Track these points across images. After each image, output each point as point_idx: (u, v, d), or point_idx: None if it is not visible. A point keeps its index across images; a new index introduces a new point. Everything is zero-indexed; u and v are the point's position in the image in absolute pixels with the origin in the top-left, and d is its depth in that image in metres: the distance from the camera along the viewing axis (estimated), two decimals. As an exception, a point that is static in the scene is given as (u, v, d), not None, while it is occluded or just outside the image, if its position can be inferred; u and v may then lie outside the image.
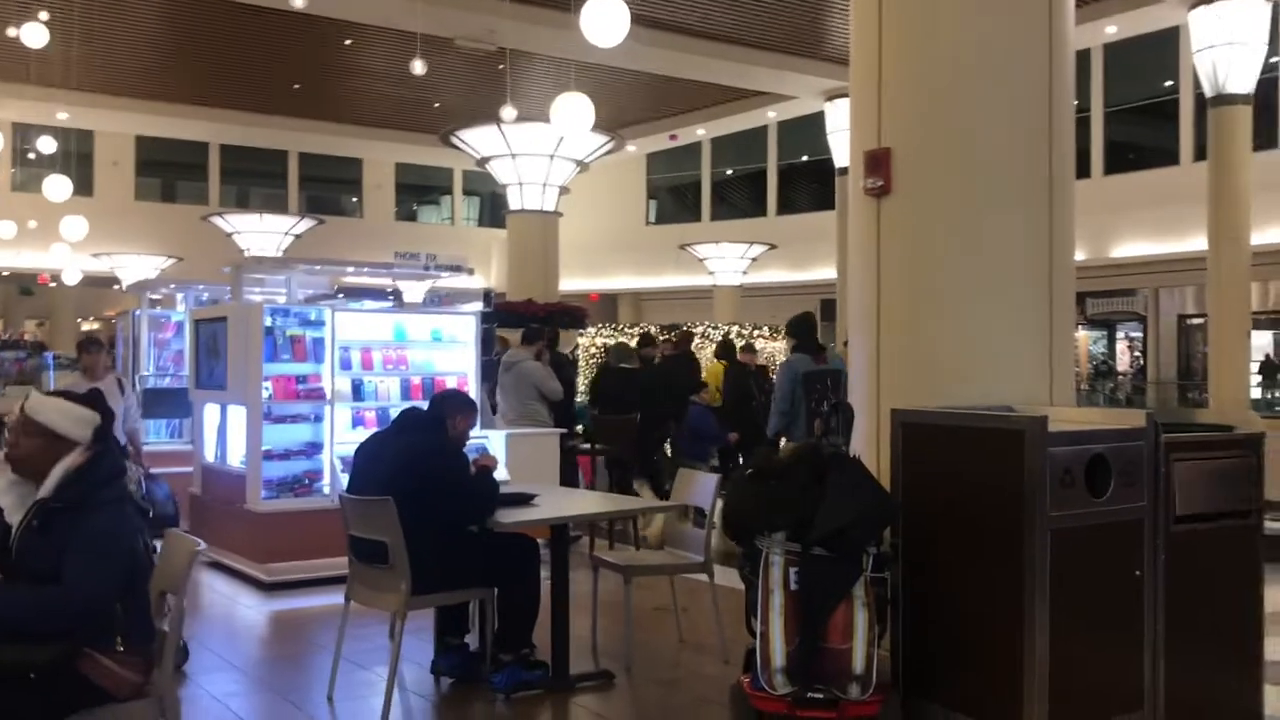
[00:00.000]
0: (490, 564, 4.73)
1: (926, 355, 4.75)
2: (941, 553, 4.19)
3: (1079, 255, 17.97)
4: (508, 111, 14.00)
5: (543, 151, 14.63)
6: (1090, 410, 4.70)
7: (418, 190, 30.34)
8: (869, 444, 4.80)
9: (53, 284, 24.88)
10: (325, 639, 5.52)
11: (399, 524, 4.49)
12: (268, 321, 7.16)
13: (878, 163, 4.84)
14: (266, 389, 7.15)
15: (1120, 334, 26.43)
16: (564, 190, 15.77)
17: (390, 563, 4.54)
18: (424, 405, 5.35)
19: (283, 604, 6.71)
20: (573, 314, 14.79)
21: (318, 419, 7.30)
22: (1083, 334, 26.85)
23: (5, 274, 26.02)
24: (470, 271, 8.61)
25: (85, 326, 27.10)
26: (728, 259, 23.39)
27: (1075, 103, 5.19)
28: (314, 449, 7.31)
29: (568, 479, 9.42)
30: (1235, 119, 19.20)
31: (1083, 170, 24.71)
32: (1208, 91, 19.09)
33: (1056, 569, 3.87)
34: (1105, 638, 4.05)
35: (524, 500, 4.98)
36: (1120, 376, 25.76)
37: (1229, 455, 4.42)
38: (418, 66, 13.04)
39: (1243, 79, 18.03)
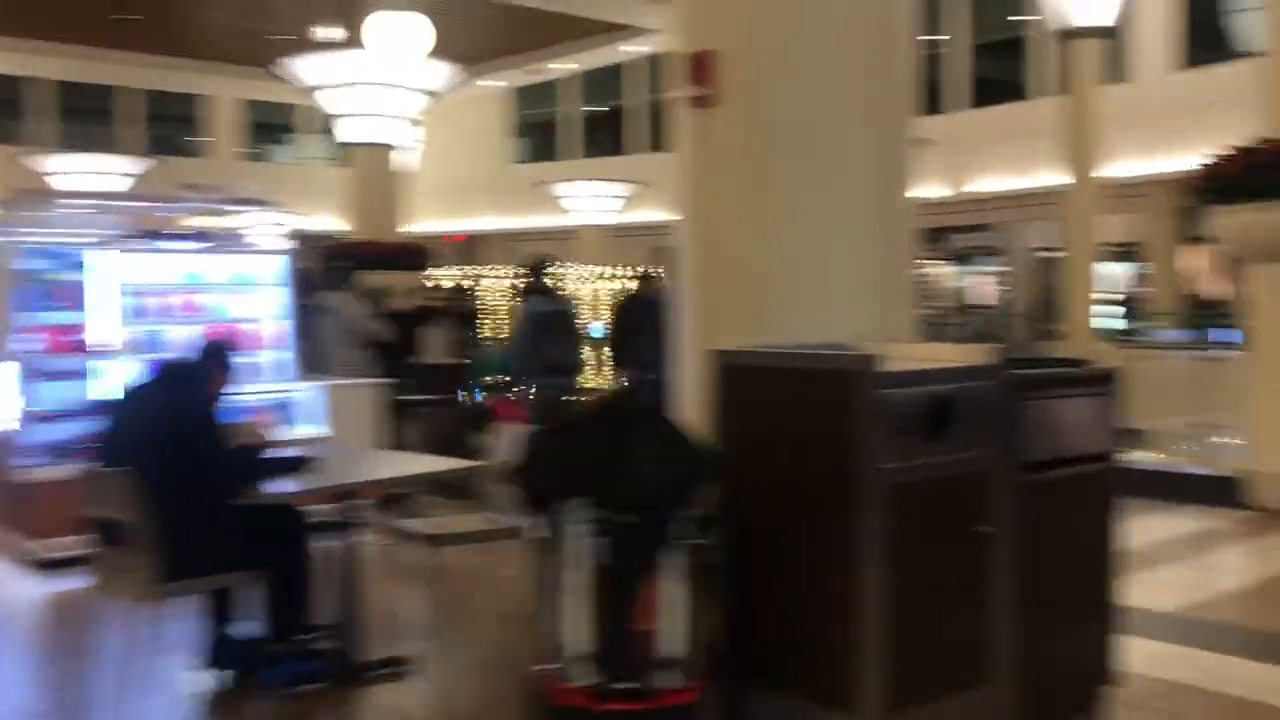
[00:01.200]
0: (252, 542, 4.01)
1: (758, 288, 4.18)
2: (769, 514, 3.64)
3: (943, 190, 17.74)
4: (334, 33, 12.91)
5: (380, 80, 13.60)
6: (937, 347, 4.21)
7: (268, 129, 28.73)
8: (696, 391, 4.22)
9: None
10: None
11: (139, 499, 3.74)
12: (26, 264, 6.22)
13: (702, 67, 4.21)
14: (33, 341, 6.24)
15: (982, 268, 26.65)
16: (414, 123, 14.77)
17: (132, 544, 3.80)
18: (194, 355, 4.58)
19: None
20: (416, 254, 13.92)
21: (96, 374, 6.41)
22: (947, 269, 27.00)
23: None
24: (269, 207, 7.74)
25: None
26: (591, 198, 22.63)
27: (925, 36, 4.62)
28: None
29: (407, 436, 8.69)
30: (1088, 51, 19.20)
31: (943, 105, 24.63)
32: (1062, 24, 19.02)
33: (892, 527, 3.35)
34: (951, 601, 3.56)
35: (294, 466, 4.26)
36: (983, 310, 25.95)
37: (1084, 392, 3.97)
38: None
39: (1095, 11, 17.93)
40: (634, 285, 7.98)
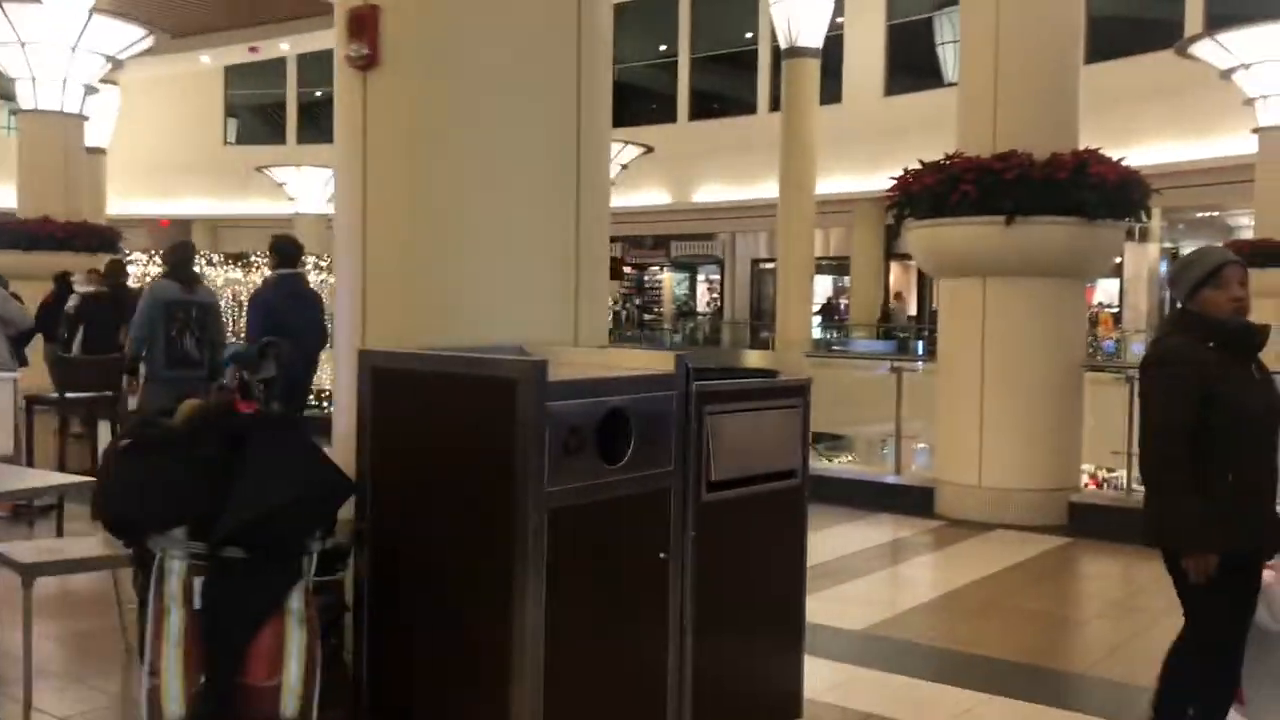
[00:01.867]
0: None
1: (424, 284, 3.63)
2: (421, 542, 3.11)
3: (665, 199, 17.75)
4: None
5: (60, 40, 12.10)
6: (623, 353, 3.79)
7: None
8: (351, 399, 3.63)
9: None
10: None
11: None
12: None
13: (362, 24, 3.63)
14: None
15: (701, 276, 27.19)
16: (91, 90, 13.24)
17: None
18: None
19: None
20: (101, 236, 12.48)
21: None
22: (667, 275, 27.39)
23: None
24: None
25: None
26: (311, 184, 21.35)
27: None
28: None
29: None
30: (805, 72, 19.84)
31: (669, 116, 24.91)
32: (782, 44, 19.56)
33: (556, 557, 2.89)
34: (623, 634, 3.15)
35: None
36: (700, 317, 26.44)
37: (774, 405, 3.67)
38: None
39: (812, 33, 18.49)
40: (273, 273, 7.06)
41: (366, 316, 3.72)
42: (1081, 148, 7.17)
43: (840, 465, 8.80)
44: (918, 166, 7.48)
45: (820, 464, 8.76)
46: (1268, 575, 3.50)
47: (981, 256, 7.20)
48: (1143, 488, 3.41)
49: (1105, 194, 6.94)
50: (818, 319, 24.89)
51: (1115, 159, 7.12)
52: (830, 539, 6.88)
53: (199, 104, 26.32)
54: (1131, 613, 5.34)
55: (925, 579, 6.20)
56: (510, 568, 2.87)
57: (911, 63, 21.95)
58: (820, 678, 4.25)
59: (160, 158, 25.40)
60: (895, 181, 7.58)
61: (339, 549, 3.01)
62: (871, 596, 5.68)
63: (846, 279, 24.25)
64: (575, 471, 2.95)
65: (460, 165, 3.63)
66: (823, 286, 25.43)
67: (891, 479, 8.09)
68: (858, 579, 5.93)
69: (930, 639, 4.93)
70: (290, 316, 6.65)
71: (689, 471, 3.33)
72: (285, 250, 7.32)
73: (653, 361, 3.45)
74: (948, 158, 7.32)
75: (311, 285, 8.24)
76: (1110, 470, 15.49)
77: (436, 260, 3.62)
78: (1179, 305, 3.39)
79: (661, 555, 3.26)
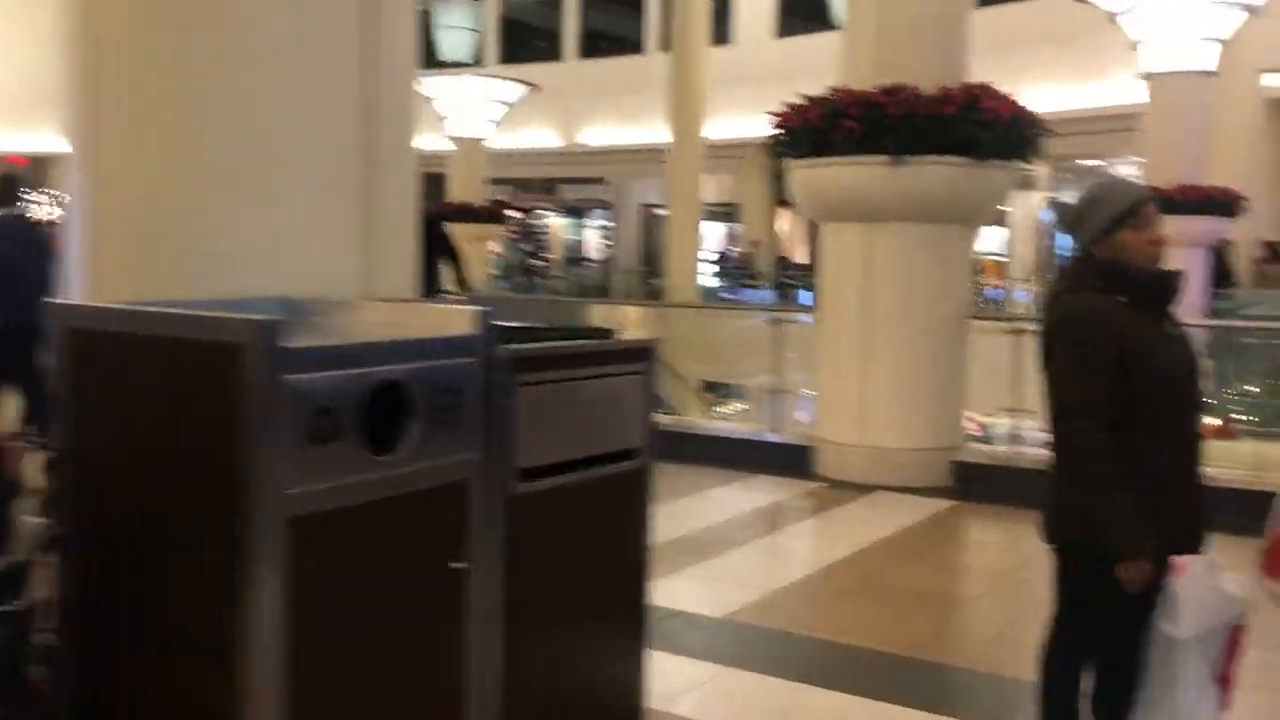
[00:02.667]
0: None
1: (166, 223, 2.86)
2: (129, 551, 2.38)
3: (553, 140, 16.89)
4: None
5: None
6: (428, 308, 3.07)
7: None
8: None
9: None
10: None
11: None
12: None
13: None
14: None
15: (592, 221, 26.38)
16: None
17: None
18: None
19: None
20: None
21: None
22: (556, 221, 26.50)
23: None
24: None
25: None
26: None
27: None
28: None
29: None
30: (695, 10, 19.07)
31: (556, 54, 23.92)
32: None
33: (300, 578, 2.20)
34: (399, 675, 2.47)
35: None
36: (589, 264, 25.69)
37: (607, 372, 3.00)
38: None
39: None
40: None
41: (100, 265, 2.94)
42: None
43: (720, 423, 8.24)
44: (796, 102, 6.84)
45: (698, 422, 8.19)
46: (1176, 575, 2.98)
47: (865, 200, 6.62)
48: (1048, 468, 2.82)
49: (997, 132, 6.39)
50: (715, 267, 24.38)
51: (1008, 94, 6.57)
52: (702, 505, 6.30)
53: (50, 32, 24.35)
54: (1019, 587, 4.85)
55: (801, 551, 5.65)
56: (235, 595, 2.16)
57: (804, 3, 21.32)
58: (676, 679, 3.65)
59: (16, 88, 23.48)
60: (777, 117, 6.92)
61: (13, 571, 2.26)
62: (741, 574, 5.10)
63: (736, 226, 23.73)
64: (328, 466, 2.24)
65: (210, 80, 2.86)
66: (716, 233, 24.89)
67: (771, 437, 7.53)
68: (728, 552, 5.35)
69: (802, 626, 4.36)
70: (7, 265, 5.71)
71: (495, 458, 2.65)
72: None
73: (439, 321, 2.74)
74: (832, 91, 6.70)
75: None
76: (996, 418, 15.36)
77: (180, 194, 2.85)
78: (1083, 251, 2.80)
79: (454, 565, 2.59)
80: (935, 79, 6.48)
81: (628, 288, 23.18)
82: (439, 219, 9.00)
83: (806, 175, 6.86)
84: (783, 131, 6.83)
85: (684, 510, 6.17)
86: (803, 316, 7.99)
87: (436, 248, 8.27)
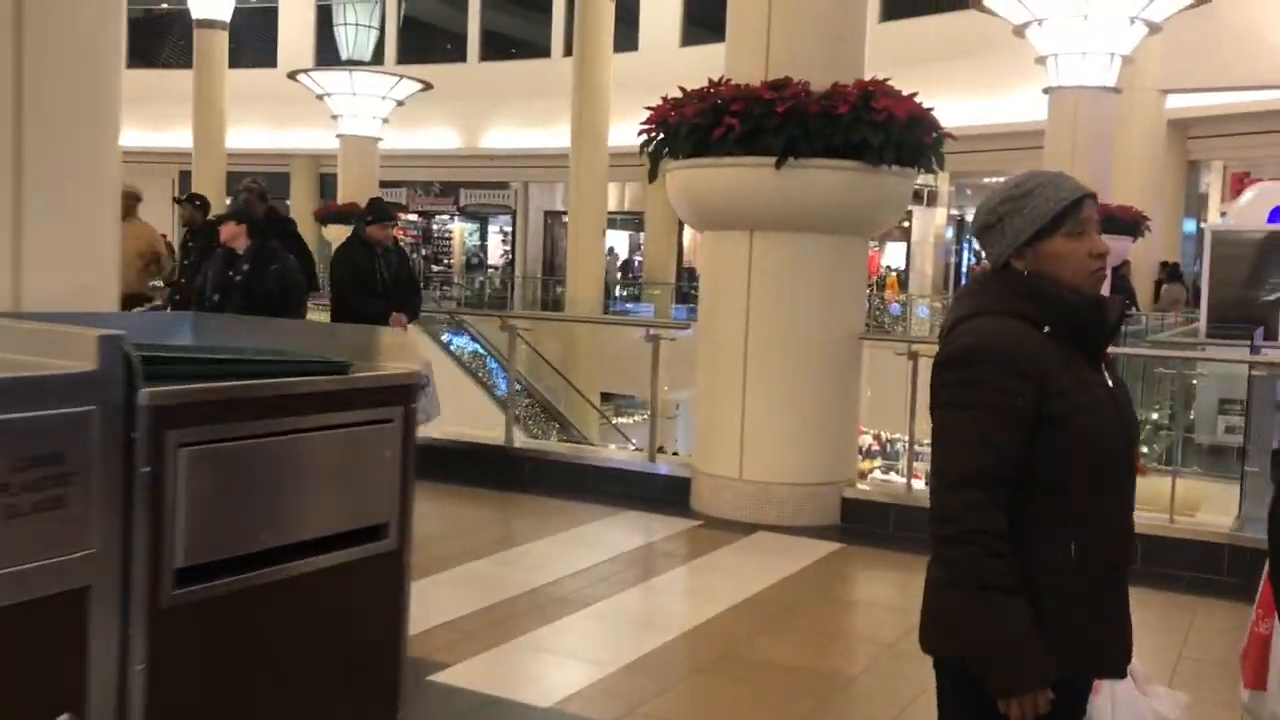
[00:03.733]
0: None
1: None
2: None
3: (454, 143, 15.89)
4: None
5: None
6: (36, 331, 2.12)
7: None
8: None
9: None
10: None
11: None
12: None
13: None
14: None
15: (495, 227, 25.38)
16: None
17: None
18: None
19: None
20: None
21: None
22: (458, 225, 25.46)
23: None
24: None
25: None
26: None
27: None
28: None
29: None
30: (600, 15, 18.28)
31: (460, 55, 22.94)
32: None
33: None
34: None
35: None
36: (491, 270, 24.69)
37: (342, 423, 2.14)
38: None
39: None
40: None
41: None
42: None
43: (601, 451, 7.36)
44: (678, 95, 6.04)
45: (581, 450, 7.32)
46: (1095, 697, 2.23)
47: (747, 205, 5.84)
48: (929, 524, 2.00)
49: (892, 135, 5.65)
50: (618, 275, 23.56)
51: (907, 94, 5.85)
52: (559, 550, 5.45)
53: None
54: (910, 663, 4.08)
55: (658, 612, 4.80)
56: None
57: (709, 13, 20.65)
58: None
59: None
60: (650, 112, 6.11)
61: None
62: (583, 645, 4.25)
63: (639, 235, 22.99)
64: None
65: None
66: (620, 242, 24.12)
67: (641, 466, 6.69)
68: (574, 614, 4.49)
69: (645, 717, 3.53)
70: None
71: (135, 555, 1.77)
72: None
73: (85, 349, 1.84)
74: (713, 84, 5.91)
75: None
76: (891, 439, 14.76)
77: None
78: (997, 264, 2.02)
79: (64, 718, 1.70)
80: (829, 75, 5.74)
81: (527, 296, 22.27)
82: (285, 218, 8.01)
83: (684, 177, 6.05)
84: (657, 128, 6.02)
85: (535, 558, 5.31)
86: (684, 333, 7.15)
87: (285, 244, 7.30)
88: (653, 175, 6.15)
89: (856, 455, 6.21)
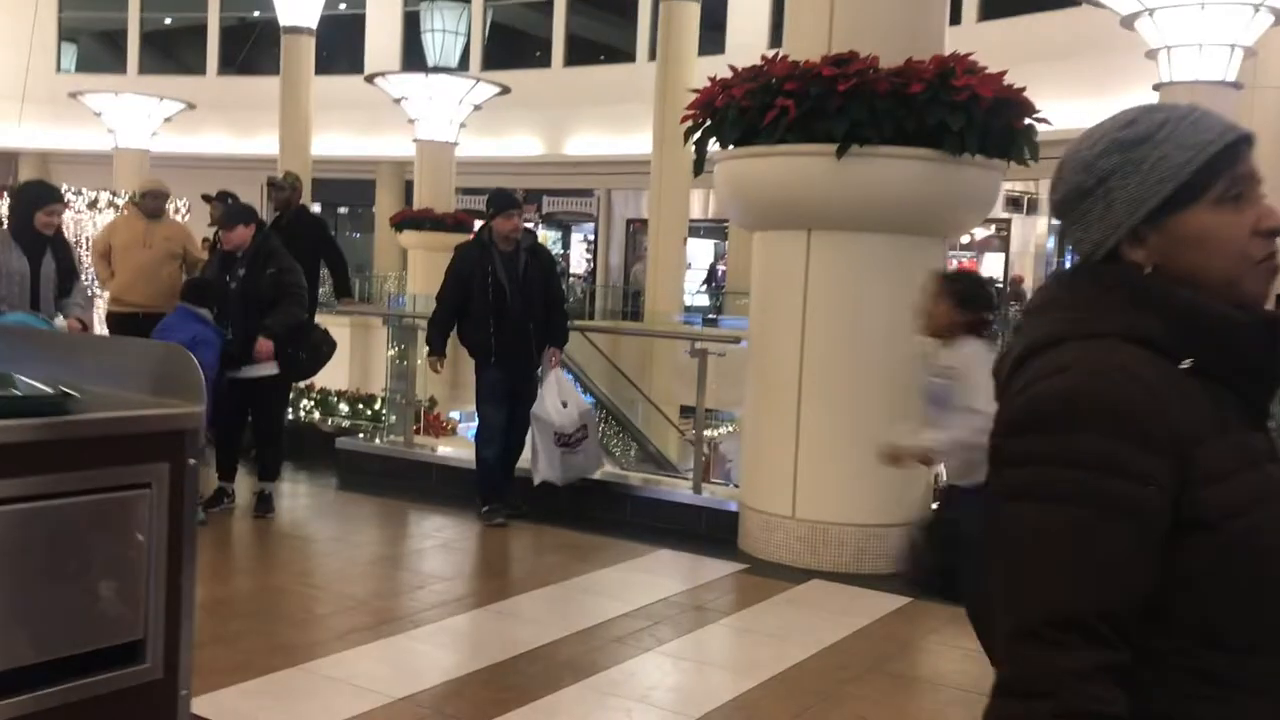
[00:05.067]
0: None
1: None
2: None
3: (537, 149, 15.15)
4: None
5: None
6: None
7: None
8: None
9: None
10: None
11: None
12: None
13: None
14: None
15: (578, 235, 24.74)
16: None
17: None
18: None
19: None
20: None
21: None
22: (541, 233, 24.87)
23: None
24: None
25: None
26: (135, 117, 18.42)
27: None
28: None
29: None
30: (684, 17, 17.54)
31: (546, 62, 22.41)
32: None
33: None
34: None
35: None
36: (574, 278, 24.03)
37: (80, 490, 1.36)
38: None
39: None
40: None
41: None
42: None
43: (648, 479, 6.45)
44: (723, 75, 5.19)
45: (628, 478, 6.46)
46: None
47: (803, 201, 4.96)
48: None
49: (975, 119, 4.71)
50: (702, 285, 22.70)
51: (992, 72, 4.90)
52: (569, 599, 4.65)
53: (26, 25, 23.00)
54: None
55: (676, 690, 3.92)
56: None
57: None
58: None
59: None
60: (696, 95, 5.27)
61: None
62: (575, 727, 3.44)
63: (722, 244, 22.12)
64: None
65: None
66: (703, 251, 23.27)
67: (683, 497, 5.84)
68: (568, 686, 3.67)
69: None
70: None
71: None
72: None
73: None
74: (766, 61, 5.05)
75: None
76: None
77: None
78: (1094, 259, 1.17)
79: None
80: (902, 50, 4.84)
81: (610, 305, 21.56)
82: (316, 218, 7.35)
83: (731, 169, 5.20)
84: (703, 113, 5.18)
85: (543, 609, 4.52)
86: (737, 346, 6.26)
87: (313, 247, 6.66)
88: (698, 168, 5.31)
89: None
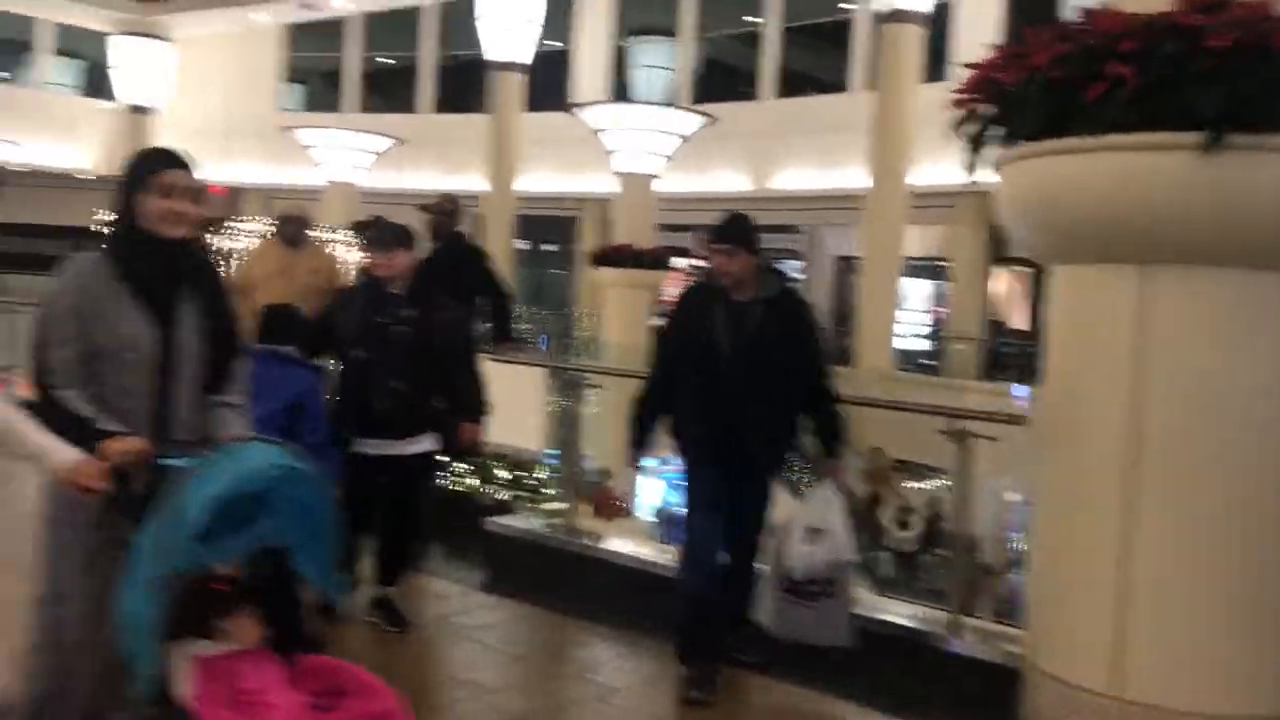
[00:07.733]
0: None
1: None
2: None
3: (743, 185, 13.42)
4: None
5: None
6: None
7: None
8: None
9: None
10: None
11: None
12: None
13: None
14: None
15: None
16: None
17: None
18: None
19: None
20: None
21: None
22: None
23: None
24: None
25: None
26: (339, 150, 18.17)
27: None
28: None
29: None
30: (906, 40, 15.80)
31: (751, 93, 21.09)
32: (880, 5, 15.60)
33: None
34: None
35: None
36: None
37: None
38: None
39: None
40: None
41: None
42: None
43: (888, 608, 4.47)
44: (1011, 49, 3.51)
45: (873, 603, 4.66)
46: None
47: (1144, 218, 3.21)
48: None
49: None
50: (925, 328, 20.66)
51: None
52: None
53: (255, 67, 23.51)
54: None
55: None
56: None
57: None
58: None
59: (215, 120, 22.68)
60: (972, 73, 3.61)
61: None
62: None
63: (942, 284, 20.00)
64: None
65: None
66: (921, 292, 21.17)
67: (952, 644, 4.07)
68: None
69: None
70: None
71: None
72: None
73: None
74: (1086, 15, 3.35)
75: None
76: None
77: None
78: None
79: None
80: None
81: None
82: (474, 246, 6.09)
83: (1031, 172, 3.48)
84: (981, 92, 3.52)
85: None
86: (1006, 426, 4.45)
87: (470, 282, 5.39)
88: (972, 166, 3.61)
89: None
